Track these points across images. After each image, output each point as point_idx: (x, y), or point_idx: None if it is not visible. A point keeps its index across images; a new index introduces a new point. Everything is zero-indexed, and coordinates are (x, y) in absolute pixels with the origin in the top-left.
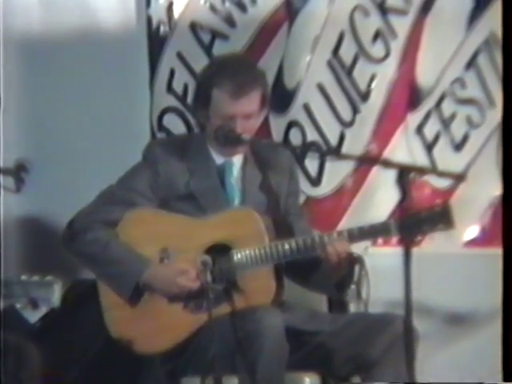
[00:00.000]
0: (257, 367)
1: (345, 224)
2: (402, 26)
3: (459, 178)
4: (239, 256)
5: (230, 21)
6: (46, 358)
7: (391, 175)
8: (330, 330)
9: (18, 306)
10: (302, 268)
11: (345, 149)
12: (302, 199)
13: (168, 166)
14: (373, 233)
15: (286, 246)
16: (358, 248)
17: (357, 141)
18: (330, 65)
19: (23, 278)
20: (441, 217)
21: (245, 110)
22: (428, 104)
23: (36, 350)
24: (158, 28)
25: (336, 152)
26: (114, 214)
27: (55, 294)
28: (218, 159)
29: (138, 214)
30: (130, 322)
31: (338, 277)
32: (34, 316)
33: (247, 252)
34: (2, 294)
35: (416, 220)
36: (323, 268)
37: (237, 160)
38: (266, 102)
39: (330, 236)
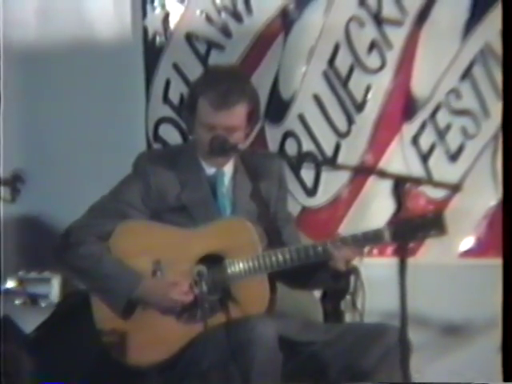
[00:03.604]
0: (250, 377)
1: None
2: (397, 36)
3: (454, 188)
4: (233, 266)
5: (225, 31)
6: (40, 368)
7: (387, 186)
8: (323, 339)
9: (16, 302)
10: (299, 273)
11: (340, 159)
12: (297, 209)
13: (159, 178)
14: (366, 240)
15: (280, 256)
16: None
17: (352, 151)
18: (325, 75)
19: (21, 274)
20: (433, 223)
21: (226, 123)
22: (423, 115)
23: (30, 360)
24: (153, 39)
25: (332, 162)
26: (106, 227)
27: (54, 290)
28: (209, 169)
29: (130, 226)
30: (124, 334)
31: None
32: (38, 319)
33: (241, 262)
34: (1, 291)
35: (409, 227)
36: (325, 270)
37: (227, 170)
38: (256, 117)
39: (324, 245)
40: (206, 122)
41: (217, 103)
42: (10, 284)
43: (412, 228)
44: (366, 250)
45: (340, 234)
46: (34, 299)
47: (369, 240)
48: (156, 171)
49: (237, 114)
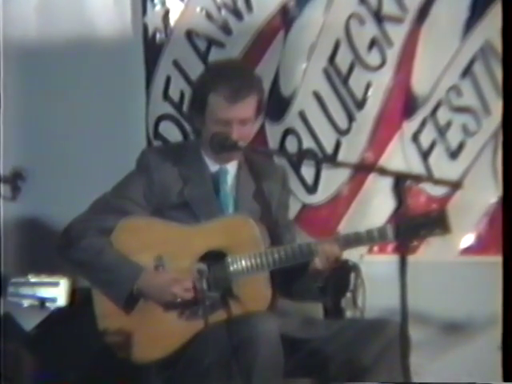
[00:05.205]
0: (252, 373)
1: (341, 231)
2: (397, 34)
3: (455, 185)
4: (235, 263)
5: (226, 28)
6: (40, 366)
7: (387, 183)
8: (324, 336)
9: (24, 304)
10: (286, 276)
11: (341, 156)
12: (298, 207)
13: (162, 174)
14: (369, 238)
15: (282, 253)
16: (353, 256)
17: (353, 148)
18: (325, 73)
19: (30, 277)
20: (437, 222)
21: (241, 115)
22: (424, 112)
23: (31, 358)
24: (154, 36)
25: (332, 160)
26: (108, 223)
27: (62, 293)
28: (213, 166)
29: (132, 222)
30: (126, 331)
31: (322, 280)
32: (39, 317)
33: (243, 259)
34: (10, 293)
35: (413, 225)
36: (309, 272)
37: (231, 168)
38: (262, 108)
39: (327, 242)
40: (220, 117)
41: (231, 97)
42: (19, 286)
43: (415, 226)
44: (367, 248)
45: (340, 233)
46: (42, 302)
47: (372, 237)
48: (159, 167)
49: (249, 105)
